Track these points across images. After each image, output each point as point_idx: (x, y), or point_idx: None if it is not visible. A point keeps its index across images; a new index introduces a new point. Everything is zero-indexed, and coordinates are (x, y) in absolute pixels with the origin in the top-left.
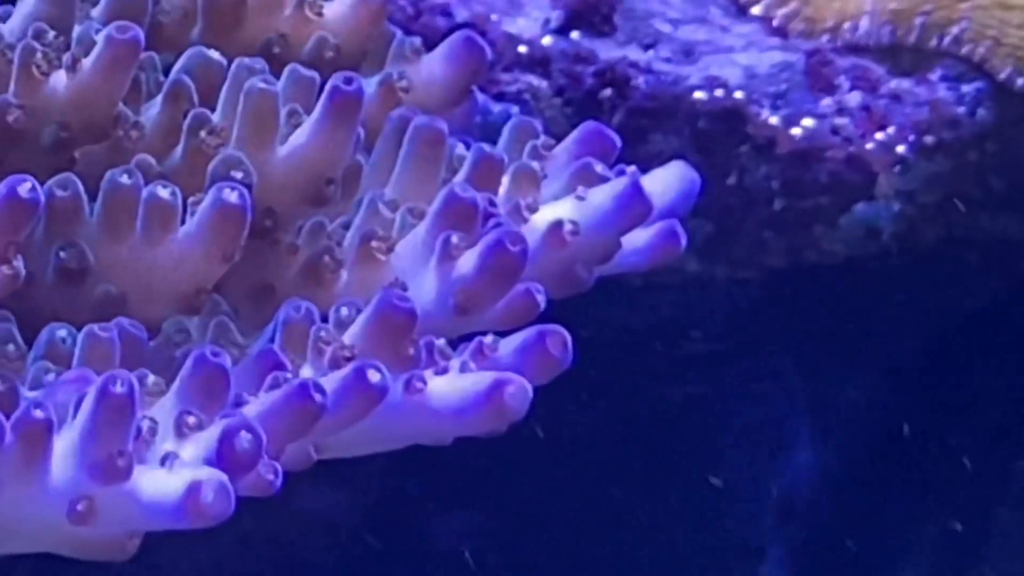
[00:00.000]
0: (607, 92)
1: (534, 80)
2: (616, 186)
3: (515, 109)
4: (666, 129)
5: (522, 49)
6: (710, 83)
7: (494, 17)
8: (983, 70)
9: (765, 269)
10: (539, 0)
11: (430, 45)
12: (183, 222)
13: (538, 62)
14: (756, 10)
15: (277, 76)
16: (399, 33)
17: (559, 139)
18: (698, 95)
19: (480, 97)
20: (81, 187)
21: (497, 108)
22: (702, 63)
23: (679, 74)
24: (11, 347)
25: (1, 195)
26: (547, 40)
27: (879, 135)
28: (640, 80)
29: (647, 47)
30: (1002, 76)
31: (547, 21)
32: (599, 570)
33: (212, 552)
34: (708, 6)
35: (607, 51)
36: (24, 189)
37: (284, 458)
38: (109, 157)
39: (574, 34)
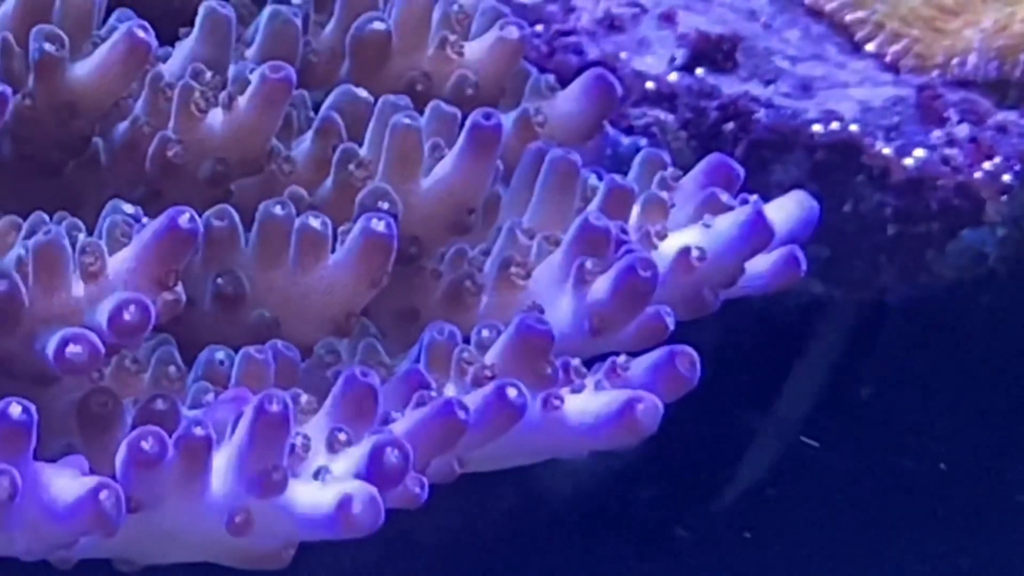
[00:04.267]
0: (730, 125)
1: (661, 114)
2: (740, 214)
3: (643, 142)
4: (785, 160)
5: (650, 85)
6: (827, 117)
7: (624, 55)
8: None
9: (879, 291)
10: (666, 39)
11: (563, 82)
12: (333, 250)
13: (665, 97)
14: (870, 47)
15: (420, 112)
16: (534, 71)
17: (685, 170)
18: (816, 128)
19: (610, 130)
20: (237, 217)
21: (626, 141)
22: (819, 98)
23: (798, 108)
24: (172, 368)
25: (163, 225)
26: (673, 77)
27: (986, 165)
28: (761, 114)
29: (767, 83)
30: None
31: (673, 59)
32: None
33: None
34: (824, 44)
35: (730, 86)
36: (184, 220)
37: (429, 471)
38: (263, 189)
39: (699, 71)
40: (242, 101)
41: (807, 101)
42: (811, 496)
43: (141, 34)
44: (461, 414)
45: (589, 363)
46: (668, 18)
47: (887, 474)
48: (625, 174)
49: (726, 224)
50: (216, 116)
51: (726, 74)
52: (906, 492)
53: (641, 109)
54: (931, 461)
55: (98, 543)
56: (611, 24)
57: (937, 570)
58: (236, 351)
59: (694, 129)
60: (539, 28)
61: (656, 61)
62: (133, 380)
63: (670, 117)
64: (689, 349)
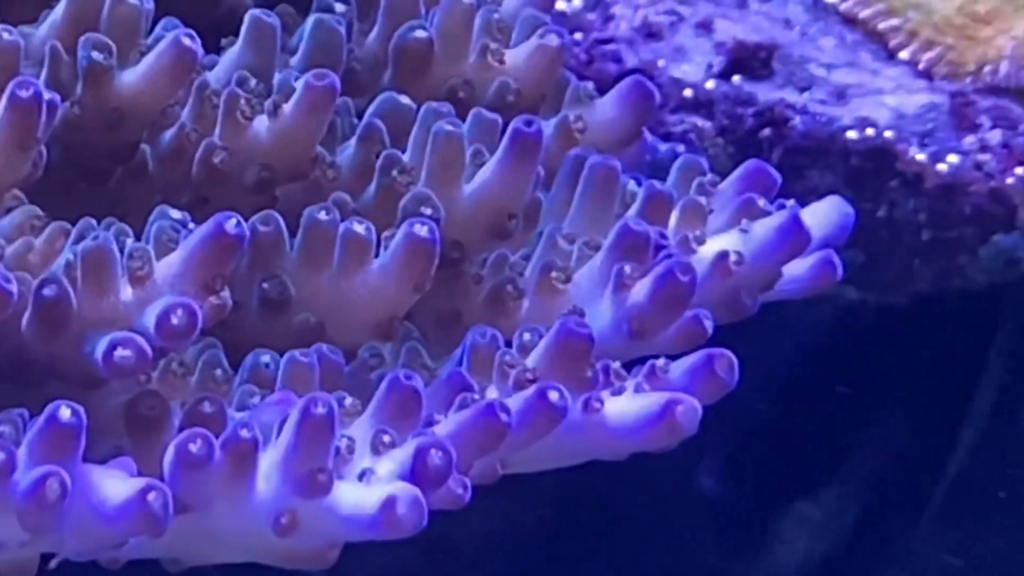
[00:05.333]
0: (766, 132)
1: (698, 121)
2: (777, 219)
3: (681, 148)
4: (821, 166)
5: (687, 92)
6: (861, 123)
7: (661, 63)
8: None
9: (913, 295)
10: (703, 47)
11: (602, 89)
12: (377, 255)
13: (702, 104)
14: (903, 55)
15: (462, 119)
16: (574, 78)
17: (722, 176)
18: (850, 134)
19: (648, 137)
20: (282, 223)
21: (664, 147)
22: (854, 104)
23: (833, 115)
24: (218, 371)
25: (209, 231)
26: (710, 84)
27: (1018, 170)
28: (797, 120)
29: (803, 90)
30: None
31: (710, 66)
32: None
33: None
34: (859, 51)
35: (766, 94)
36: (230, 225)
37: (472, 473)
38: (307, 195)
39: (735, 78)
40: (287, 108)
41: (842, 108)
42: None
43: (188, 42)
44: (503, 416)
45: (628, 366)
46: (705, 26)
47: None
48: (662, 180)
49: (764, 229)
50: (262, 123)
51: (762, 81)
52: None
53: (678, 116)
54: None
55: (146, 544)
56: (649, 32)
57: None
58: (281, 355)
59: (731, 136)
60: (578, 36)
61: (693, 68)
62: (180, 383)
63: (707, 124)
64: (727, 352)
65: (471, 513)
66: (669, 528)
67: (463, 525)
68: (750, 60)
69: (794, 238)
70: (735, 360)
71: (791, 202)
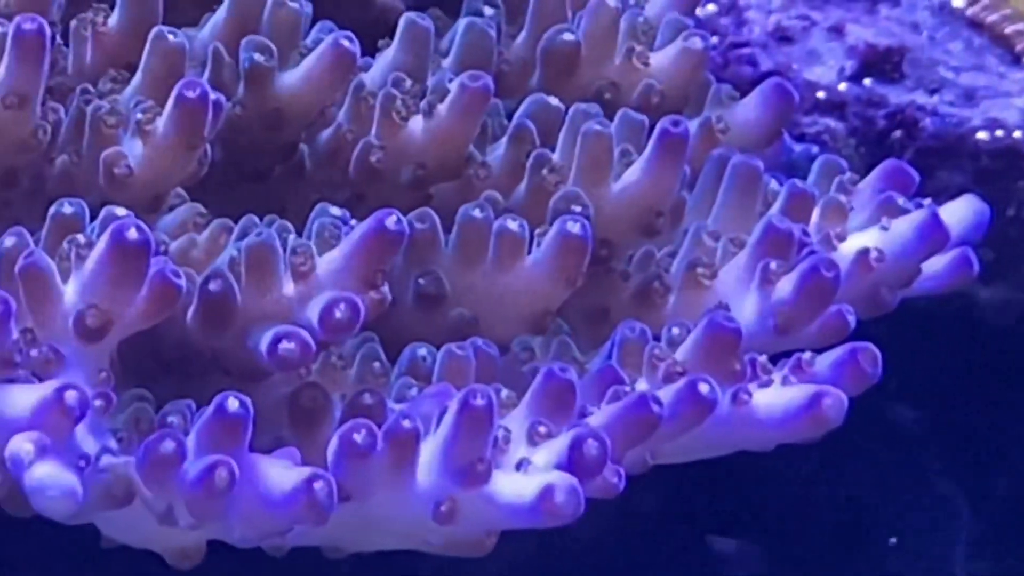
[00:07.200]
0: (897, 133)
1: (831, 122)
2: (917, 217)
3: (815, 149)
4: (951, 166)
5: (820, 95)
6: (991, 124)
7: (795, 66)
8: None
9: None
10: (835, 50)
11: (737, 92)
12: (529, 252)
13: (835, 106)
14: None
15: (608, 119)
16: (714, 80)
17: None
18: (980, 135)
19: (784, 137)
20: (437, 220)
21: (798, 148)
22: (983, 106)
23: (962, 116)
24: (376, 365)
25: (371, 227)
26: (843, 86)
27: None
28: (927, 122)
29: (932, 92)
30: None
31: (842, 69)
32: None
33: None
34: (986, 55)
35: (897, 96)
36: (391, 221)
37: (624, 463)
38: (459, 194)
39: (867, 81)
40: (442, 109)
41: (971, 110)
42: None
43: (347, 44)
44: (655, 408)
45: (772, 360)
46: (837, 30)
47: None
48: (797, 179)
49: (904, 226)
50: (417, 123)
51: (893, 84)
52: None
53: (812, 117)
54: None
55: (309, 531)
56: (782, 36)
57: None
58: (436, 348)
59: (862, 137)
60: (713, 40)
61: (826, 71)
62: (339, 376)
63: (840, 125)
64: (871, 346)
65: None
66: (797, 522)
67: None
68: (881, 63)
69: (933, 236)
70: (879, 353)
71: (928, 200)
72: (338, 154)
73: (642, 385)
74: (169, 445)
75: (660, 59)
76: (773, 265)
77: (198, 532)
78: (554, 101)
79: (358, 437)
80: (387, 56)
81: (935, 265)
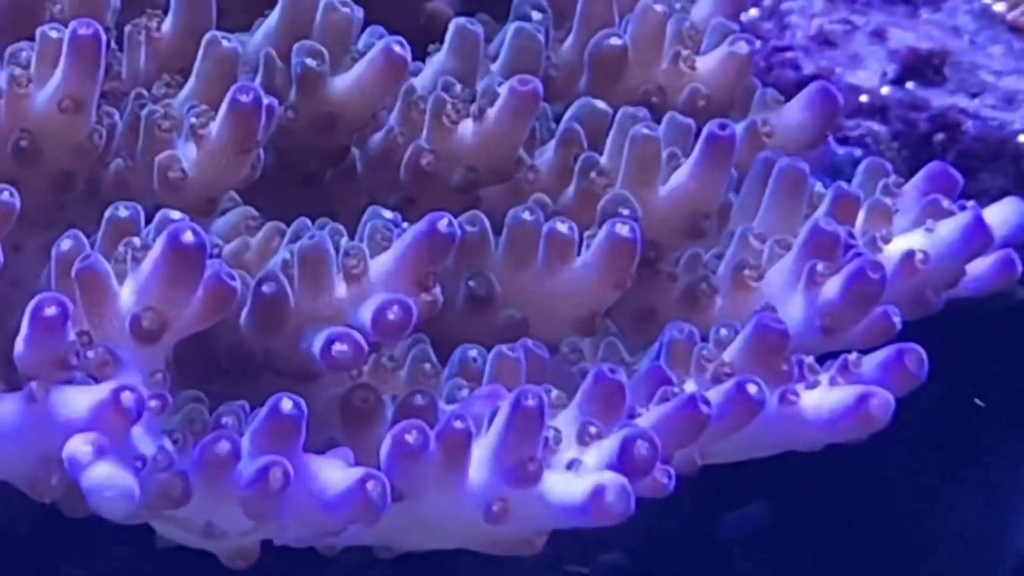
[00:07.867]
0: (939, 136)
1: (874, 126)
2: (962, 220)
3: (858, 152)
4: (992, 169)
5: (863, 98)
6: None
7: (838, 70)
8: None
9: None
10: (877, 54)
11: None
12: (578, 254)
13: (877, 110)
14: None
15: (655, 123)
16: (760, 84)
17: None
18: (1021, 138)
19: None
20: (487, 223)
21: (841, 151)
22: None
23: (1004, 120)
24: (427, 366)
25: (423, 229)
26: (885, 90)
27: None
28: (969, 125)
29: (974, 95)
30: None
31: (885, 73)
32: None
33: None
34: None
35: (939, 99)
36: (443, 224)
37: (673, 463)
38: (509, 196)
39: (909, 84)
40: (492, 112)
41: (1012, 113)
42: None
43: (398, 49)
44: (704, 408)
45: (818, 361)
46: (879, 35)
47: None
48: (841, 182)
49: (949, 229)
50: (467, 127)
51: (935, 87)
52: None
53: (855, 121)
54: None
55: (361, 531)
56: (824, 40)
57: None
58: (487, 349)
59: (904, 140)
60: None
61: (868, 75)
62: (390, 377)
63: (882, 128)
64: (918, 347)
65: None
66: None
67: None
68: (923, 67)
69: (978, 238)
70: (925, 354)
71: (971, 202)
72: (389, 157)
73: (690, 386)
74: (224, 446)
75: (706, 63)
76: (820, 267)
77: (253, 533)
78: (601, 105)
79: (410, 438)
80: (437, 60)
81: (979, 267)
